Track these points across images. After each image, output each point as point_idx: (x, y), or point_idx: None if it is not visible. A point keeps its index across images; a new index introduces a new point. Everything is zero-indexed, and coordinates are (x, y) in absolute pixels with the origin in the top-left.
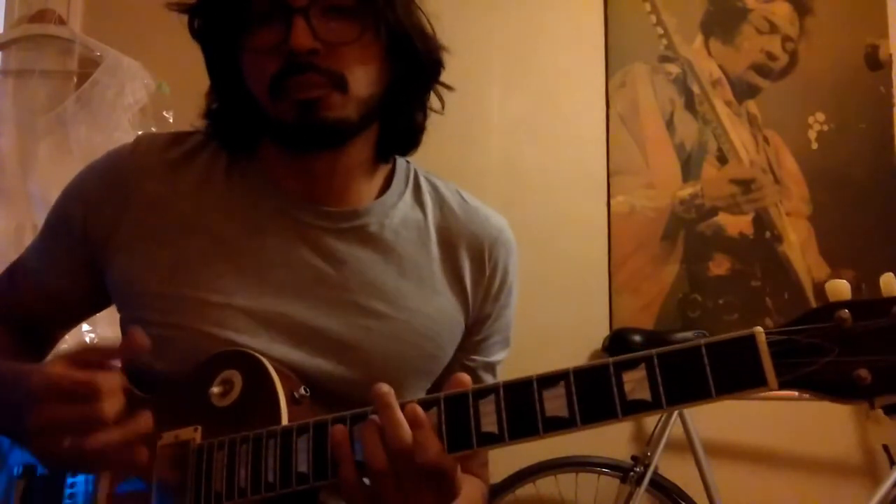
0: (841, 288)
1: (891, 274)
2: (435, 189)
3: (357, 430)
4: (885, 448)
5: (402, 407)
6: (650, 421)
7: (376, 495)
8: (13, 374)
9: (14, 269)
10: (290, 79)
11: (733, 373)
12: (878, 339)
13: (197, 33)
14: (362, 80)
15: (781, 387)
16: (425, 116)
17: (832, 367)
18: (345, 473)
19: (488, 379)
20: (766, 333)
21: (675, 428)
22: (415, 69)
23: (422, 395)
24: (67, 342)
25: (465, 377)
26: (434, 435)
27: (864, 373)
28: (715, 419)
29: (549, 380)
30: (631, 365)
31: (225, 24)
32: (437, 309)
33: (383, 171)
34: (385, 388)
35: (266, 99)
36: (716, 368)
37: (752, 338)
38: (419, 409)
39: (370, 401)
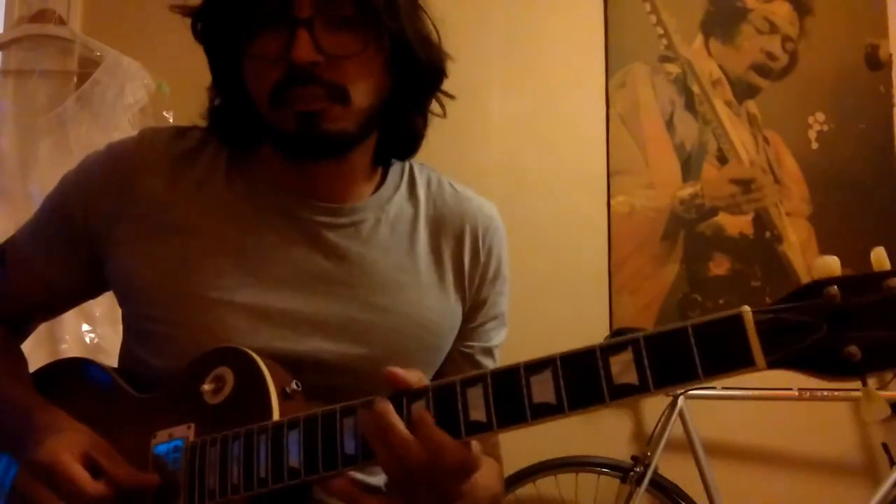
0: (830, 264)
1: (881, 248)
2: (428, 180)
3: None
4: (885, 448)
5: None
6: (650, 421)
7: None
8: (22, 408)
9: (3, 253)
10: (291, 90)
11: (720, 353)
12: (869, 315)
13: (200, 36)
14: (364, 92)
15: (770, 366)
16: (426, 123)
17: (821, 344)
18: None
19: (488, 363)
20: (754, 312)
21: (675, 428)
22: (417, 79)
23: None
24: (67, 342)
25: (399, 373)
26: (443, 435)
27: (854, 349)
28: (715, 419)
29: (536, 366)
30: (618, 349)
31: (228, 28)
32: (436, 300)
33: (380, 169)
34: (380, 405)
35: (266, 107)
36: (703, 349)
37: (738, 317)
38: (426, 417)
39: (372, 392)
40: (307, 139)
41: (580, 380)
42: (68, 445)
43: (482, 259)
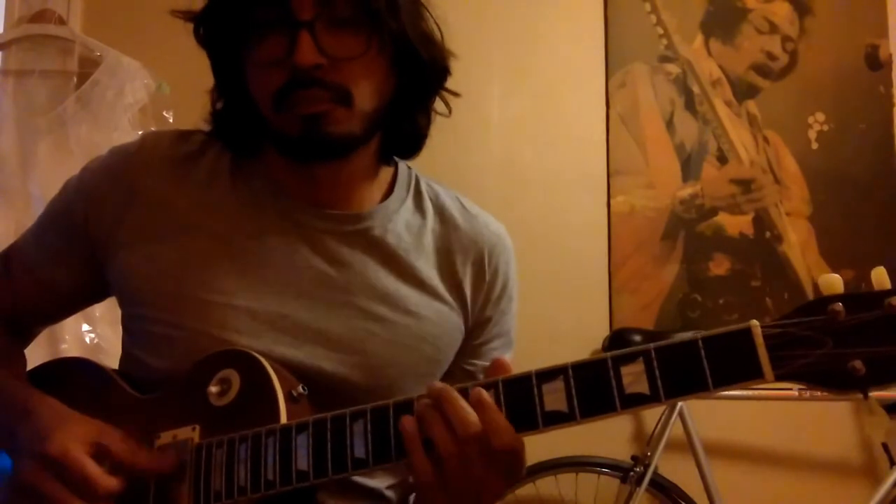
0: (834, 282)
1: (882, 268)
2: (436, 196)
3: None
4: (885, 448)
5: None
6: (650, 421)
7: (447, 483)
8: (14, 397)
9: (7, 257)
10: (295, 93)
11: (730, 365)
12: (871, 331)
13: (202, 41)
14: (367, 93)
15: (777, 379)
16: (429, 121)
17: (826, 359)
18: (418, 462)
19: None
20: (762, 327)
21: (675, 428)
22: (420, 78)
23: None
24: (67, 342)
25: (506, 362)
26: (501, 415)
27: (857, 364)
28: (715, 419)
29: (547, 374)
30: (629, 359)
31: (230, 33)
32: (436, 313)
33: (385, 174)
34: (439, 384)
35: (270, 111)
36: (713, 361)
37: (747, 331)
38: (484, 393)
39: (371, 401)
40: (312, 142)
41: (592, 389)
42: (76, 437)
43: (487, 277)
